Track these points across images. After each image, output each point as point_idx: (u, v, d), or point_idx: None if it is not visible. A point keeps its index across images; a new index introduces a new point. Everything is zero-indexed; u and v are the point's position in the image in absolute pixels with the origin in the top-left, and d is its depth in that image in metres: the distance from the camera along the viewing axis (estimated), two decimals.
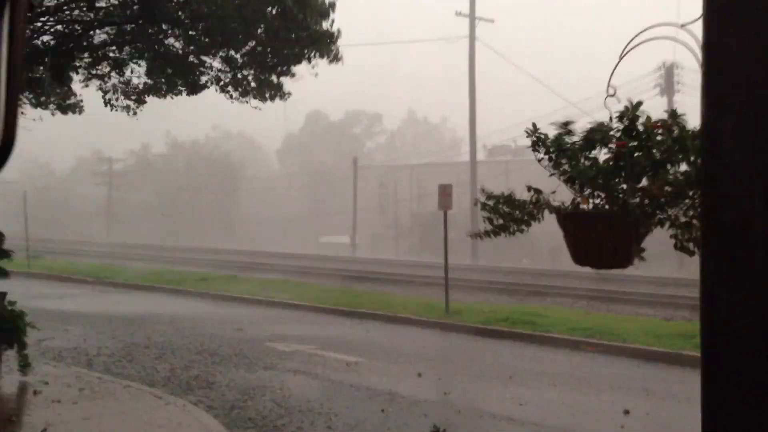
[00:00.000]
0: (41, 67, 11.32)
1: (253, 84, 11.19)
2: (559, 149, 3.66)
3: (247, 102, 11.55)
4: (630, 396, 9.47)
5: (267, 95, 11.34)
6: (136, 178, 72.20)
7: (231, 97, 11.45)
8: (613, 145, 3.58)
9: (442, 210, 16.06)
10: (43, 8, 10.71)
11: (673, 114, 3.52)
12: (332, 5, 10.70)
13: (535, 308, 16.90)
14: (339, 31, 10.96)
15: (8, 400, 8.57)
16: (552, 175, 3.81)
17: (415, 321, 15.33)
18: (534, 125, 3.72)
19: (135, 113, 12.84)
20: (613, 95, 3.71)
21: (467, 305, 17.14)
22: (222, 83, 11.74)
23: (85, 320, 15.21)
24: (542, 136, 3.72)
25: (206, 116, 74.22)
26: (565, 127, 3.64)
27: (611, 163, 3.51)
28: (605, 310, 17.40)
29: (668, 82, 33.92)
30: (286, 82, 11.87)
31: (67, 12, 10.78)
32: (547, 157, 3.75)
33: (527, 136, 3.74)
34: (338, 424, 7.92)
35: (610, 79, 3.74)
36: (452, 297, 16.97)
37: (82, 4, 10.65)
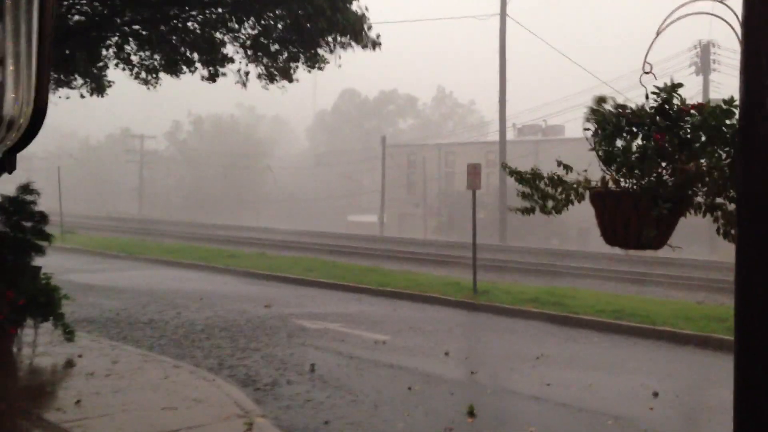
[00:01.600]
0: (68, 49, 11.42)
1: (280, 62, 11.15)
2: (612, 127, 3.61)
3: (274, 80, 11.50)
4: (660, 378, 9.40)
5: (300, 65, 11.25)
6: (165, 156, 72.88)
7: (258, 76, 11.42)
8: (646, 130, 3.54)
9: (470, 189, 15.98)
10: None
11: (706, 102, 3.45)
12: None
13: (563, 289, 16.81)
14: (369, 20, 10.80)
15: (45, 372, 8.77)
16: (592, 150, 3.75)
17: (442, 300, 15.34)
18: (601, 97, 3.65)
19: (154, 86, 12.92)
20: (649, 72, 3.65)
21: (495, 285, 17.10)
22: (247, 60, 11.67)
23: (118, 294, 15.47)
24: (603, 111, 3.65)
25: (230, 94, 74.56)
26: (601, 104, 3.59)
27: (647, 149, 3.47)
28: (635, 292, 17.25)
29: (704, 61, 33.24)
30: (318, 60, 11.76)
31: None
32: (593, 132, 3.70)
33: (589, 111, 3.67)
34: (365, 401, 7.99)
35: (646, 56, 3.67)
36: (480, 277, 16.94)
37: None
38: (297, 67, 11.41)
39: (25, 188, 9.68)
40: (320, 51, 11.49)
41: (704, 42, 33.10)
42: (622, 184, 3.63)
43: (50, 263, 10.55)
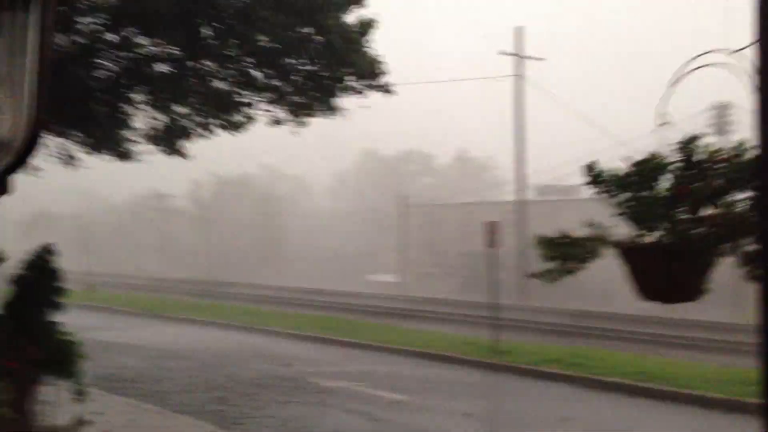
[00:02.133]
0: (93, 105, 11.68)
1: (302, 102, 11.32)
2: (619, 184, 3.65)
3: (297, 121, 11.62)
4: None
5: (319, 110, 11.41)
6: (186, 215, 73.62)
7: (279, 122, 11.57)
8: (668, 174, 3.58)
9: (489, 248, 15.95)
10: (101, 44, 11.09)
11: (738, 145, 3.50)
12: (372, 21, 10.72)
13: (586, 350, 16.53)
14: (384, 63, 10.97)
15: (62, 430, 8.72)
16: (612, 211, 3.77)
17: (462, 360, 15.14)
18: (591, 164, 3.73)
19: (184, 156, 13.13)
20: (664, 124, 3.69)
21: (516, 345, 16.86)
22: (269, 107, 11.82)
23: (138, 352, 15.45)
24: (600, 172, 3.71)
25: (252, 154, 75.64)
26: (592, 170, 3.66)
27: (672, 196, 3.50)
28: (659, 354, 16.92)
29: (721, 122, 33.34)
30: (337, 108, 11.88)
31: (125, 48, 11.14)
32: (604, 191, 3.74)
33: (585, 174, 3.73)
34: None
35: (661, 107, 3.72)
36: (501, 337, 16.74)
37: (137, 41, 10.99)
38: (314, 106, 11.52)
39: (47, 248, 9.82)
40: (337, 97, 11.56)
41: (720, 98, 33.26)
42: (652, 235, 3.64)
43: (72, 320, 10.60)
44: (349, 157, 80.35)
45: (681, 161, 3.59)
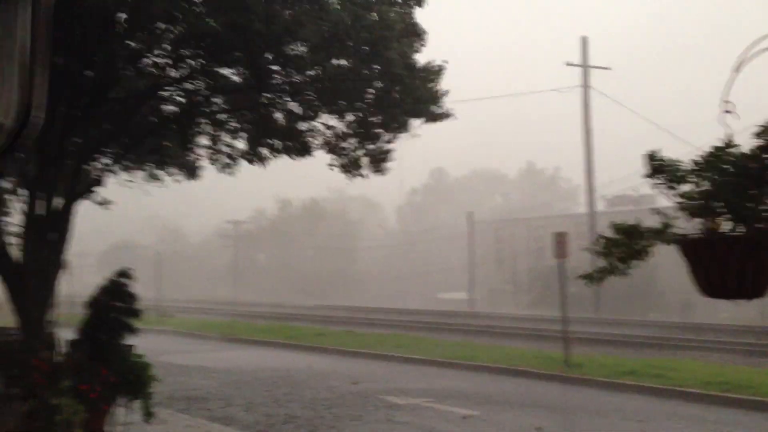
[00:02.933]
0: (167, 134, 12.01)
1: (358, 154, 11.39)
2: (681, 174, 3.47)
3: (353, 174, 11.71)
4: None
5: (372, 166, 11.50)
6: (257, 240, 74.89)
7: (341, 167, 11.66)
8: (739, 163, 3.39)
9: (558, 259, 15.58)
10: (168, 79, 11.42)
11: None
12: (441, 68, 10.74)
13: (664, 361, 15.92)
14: (445, 91, 10.95)
15: None
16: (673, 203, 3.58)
17: (533, 374, 14.79)
18: (652, 152, 3.55)
19: (233, 173, 13.34)
20: (730, 112, 3.50)
21: (589, 358, 16.39)
22: (330, 146, 11.97)
23: (210, 374, 15.67)
24: (662, 161, 3.53)
25: (320, 178, 76.62)
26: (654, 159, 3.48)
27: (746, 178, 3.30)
28: (744, 363, 16.14)
29: None
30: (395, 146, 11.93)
31: (189, 83, 11.43)
32: (666, 183, 3.56)
33: (646, 164, 3.56)
34: None
35: (725, 94, 3.53)
36: (574, 350, 16.29)
37: (202, 77, 11.25)
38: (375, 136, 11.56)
39: (123, 273, 10.07)
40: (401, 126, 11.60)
41: None
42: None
43: (145, 344, 10.83)
44: (418, 176, 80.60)
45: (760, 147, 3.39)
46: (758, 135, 3.39)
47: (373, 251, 67.81)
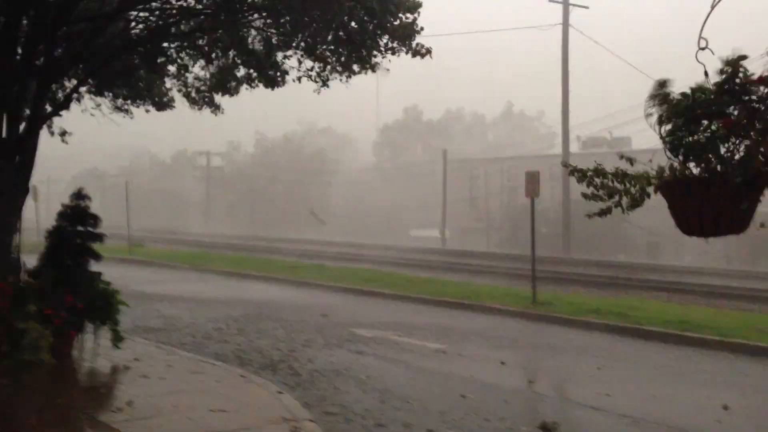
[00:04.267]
0: (135, 57, 11.67)
1: (337, 66, 11.10)
2: (675, 114, 3.42)
3: (330, 79, 11.40)
4: (729, 391, 8.92)
5: (355, 69, 11.18)
6: (229, 172, 74.24)
7: (316, 78, 11.35)
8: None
9: (529, 197, 15.65)
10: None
11: None
12: (417, 3, 10.47)
13: (628, 300, 16.26)
14: (420, 28, 10.68)
15: (101, 374, 8.90)
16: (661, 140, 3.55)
17: (500, 310, 15.02)
18: (663, 81, 3.48)
19: (217, 111, 13.09)
20: (704, 48, 3.44)
21: (556, 296, 16.67)
22: (304, 72, 11.70)
23: (178, 303, 15.69)
24: (666, 94, 3.47)
25: (292, 111, 75.64)
26: (662, 87, 3.41)
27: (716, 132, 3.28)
28: (704, 305, 16.54)
29: None
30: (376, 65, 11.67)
31: (156, 2, 11.05)
32: (657, 118, 3.51)
33: (650, 94, 3.50)
34: (418, 409, 7.80)
35: (701, 31, 3.46)
36: (542, 289, 16.55)
37: None
38: (347, 63, 11.30)
39: (78, 194, 9.89)
40: (372, 57, 11.36)
41: None
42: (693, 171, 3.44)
43: (114, 272, 10.76)
44: (394, 114, 79.82)
45: (721, 85, 3.34)
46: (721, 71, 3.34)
47: (347, 187, 67.67)
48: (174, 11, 10.88)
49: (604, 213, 3.80)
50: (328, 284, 19.42)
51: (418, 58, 11.11)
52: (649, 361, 10.73)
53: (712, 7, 3.51)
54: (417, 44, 10.82)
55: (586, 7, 34.12)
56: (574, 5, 33.28)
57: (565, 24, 32.94)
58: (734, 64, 3.27)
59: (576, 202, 31.04)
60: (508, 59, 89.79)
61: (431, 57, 11.26)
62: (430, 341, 11.74)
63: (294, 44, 11.13)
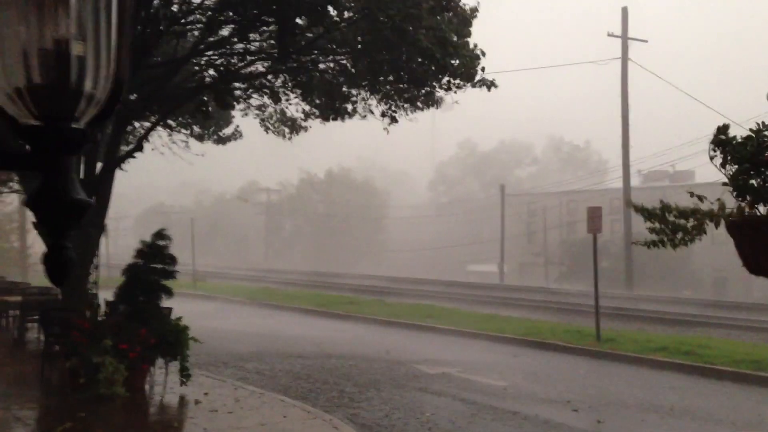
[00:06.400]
0: (205, 98, 12.14)
1: (400, 102, 11.36)
2: (745, 157, 3.43)
3: (396, 113, 11.64)
4: None
5: (419, 104, 11.43)
6: (289, 208, 75.32)
7: (386, 111, 11.63)
8: None
9: (591, 233, 15.49)
10: (206, 44, 11.52)
11: None
12: (476, 47, 10.66)
13: (696, 338, 15.83)
14: (482, 66, 10.85)
15: (171, 408, 9.12)
16: (724, 184, 3.55)
17: (564, 348, 14.81)
18: (724, 126, 3.50)
19: (290, 138, 13.49)
20: None
21: (621, 333, 16.34)
22: (368, 105, 12.01)
23: (243, 338, 15.95)
24: (729, 140, 3.49)
25: (352, 149, 76.67)
26: (724, 132, 3.42)
27: None
28: None
29: None
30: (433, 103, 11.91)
31: (226, 47, 11.51)
32: (721, 161, 3.52)
33: (713, 140, 3.51)
34: None
35: None
36: (605, 325, 16.27)
37: (237, 40, 11.32)
38: (413, 100, 11.55)
39: (159, 234, 10.25)
40: (435, 92, 11.60)
41: None
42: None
43: (181, 306, 11.05)
44: (449, 150, 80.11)
45: None
46: None
47: (403, 222, 67.87)
48: (242, 54, 11.30)
49: (655, 244, 3.80)
50: (389, 320, 19.47)
51: (484, 89, 11.27)
52: (720, 402, 10.42)
53: None
54: (481, 78, 10.99)
55: (645, 41, 33.88)
56: (633, 39, 33.07)
57: (625, 57, 32.71)
58: None
59: (638, 234, 30.53)
60: (559, 92, 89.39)
61: (496, 87, 11.40)
62: (494, 379, 11.65)
63: (360, 83, 11.43)
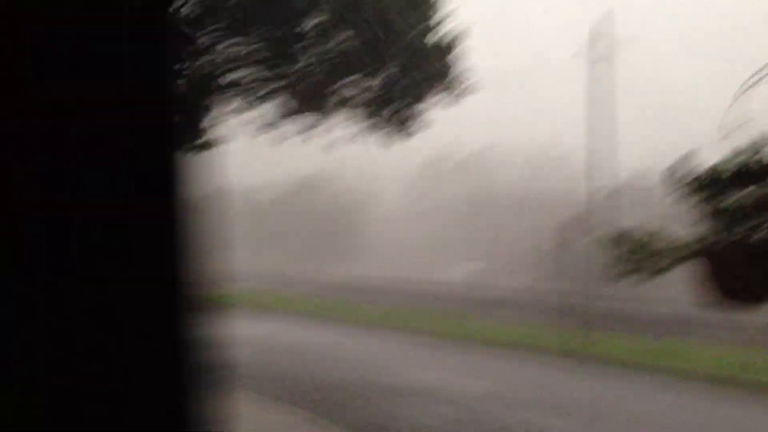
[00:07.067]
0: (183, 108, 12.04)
1: (385, 113, 11.39)
2: (714, 183, 3.51)
3: (381, 130, 11.69)
4: None
5: (403, 126, 11.50)
6: (266, 209, 75.00)
7: (368, 125, 11.66)
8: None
9: (568, 243, 15.65)
10: (192, 49, 11.44)
11: None
12: (452, 46, 10.72)
13: (675, 343, 15.97)
14: (459, 72, 10.92)
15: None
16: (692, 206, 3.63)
17: (548, 351, 14.88)
18: (687, 156, 3.59)
19: (276, 144, 13.46)
20: (727, 135, 3.54)
21: (603, 336, 16.46)
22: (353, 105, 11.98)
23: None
24: (694, 171, 3.57)
25: (331, 154, 76.22)
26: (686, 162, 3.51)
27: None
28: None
29: None
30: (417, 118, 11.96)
31: (209, 55, 11.44)
32: (693, 190, 3.61)
33: (677, 168, 3.60)
34: None
35: (728, 115, 3.56)
36: (587, 328, 16.40)
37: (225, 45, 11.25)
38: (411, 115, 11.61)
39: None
40: (421, 105, 11.64)
41: None
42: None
43: None
44: (429, 152, 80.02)
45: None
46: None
47: (383, 223, 67.88)
48: (230, 60, 11.26)
49: (629, 274, 3.89)
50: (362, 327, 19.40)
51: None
52: (700, 406, 10.55)
53: (744, 90, 3.60)
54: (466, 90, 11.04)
55: (631, 43, 34.17)
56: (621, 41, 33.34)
57: (604, 60, 32.98)
58: (754, 148, 3.37)
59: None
60: (537, 99, 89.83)
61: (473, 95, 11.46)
62: (481, 384, 11.68)
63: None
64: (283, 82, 12.08)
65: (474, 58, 11.25)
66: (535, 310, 23.70)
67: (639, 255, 3.80)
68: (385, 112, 11.80)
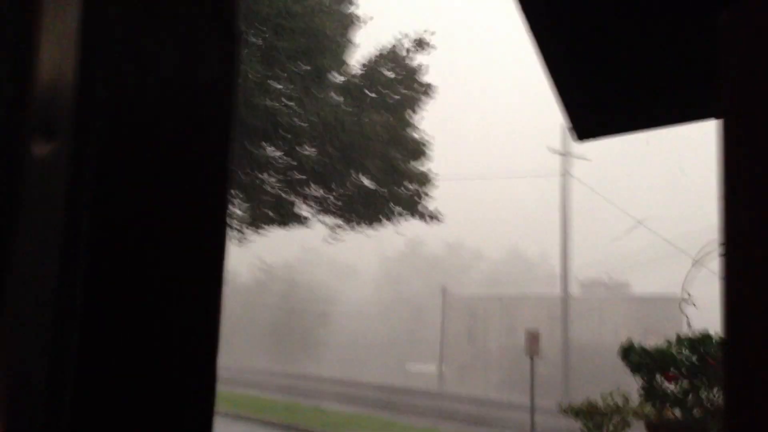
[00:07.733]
0: None
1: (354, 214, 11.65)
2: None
3: (345, 228, 11.91)
4: None
5: (372, 225, 11.74)
6: (228, 301, 74.11)
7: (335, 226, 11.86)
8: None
9: (529, 356, 15.69)
10: None
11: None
12: (428, 176, 11.13)
13: None
14: (428, 196, 11.30)
15: None
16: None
17: None
18: (628, 346, 3.77)
19: (241, 243, 13.59)
20: (687, 300, 3.73)
21: None
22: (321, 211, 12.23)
23: None
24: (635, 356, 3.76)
25: (297, 239, 76.58)
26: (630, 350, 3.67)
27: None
28: None
29: None
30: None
31: None
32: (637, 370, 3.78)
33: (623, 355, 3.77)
34: None
35: (684, 286, 3.76)
36: None
37: None
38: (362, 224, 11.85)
39: None
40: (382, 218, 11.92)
41: None
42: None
43: None
44: (397, 246, 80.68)
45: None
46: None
47: (347, 318, 67.46)
48: None
49: None
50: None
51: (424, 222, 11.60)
52: None
53: (695, 265, 3.81)
54: (424, 210, 11.34)
55: (589, 160, 35.43)
56: (577, 158, 34.58)
57: (565, 174, 34.07)
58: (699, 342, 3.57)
59: (575, 340, 30.94)
60: (511, 202, 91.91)
61: (438, 221, 11.76)
62: None
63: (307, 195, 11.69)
64: (250, 188, 12.28)
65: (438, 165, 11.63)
66: (491, 423, 23.49)
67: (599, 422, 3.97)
68: (354, 215, 12.04)
